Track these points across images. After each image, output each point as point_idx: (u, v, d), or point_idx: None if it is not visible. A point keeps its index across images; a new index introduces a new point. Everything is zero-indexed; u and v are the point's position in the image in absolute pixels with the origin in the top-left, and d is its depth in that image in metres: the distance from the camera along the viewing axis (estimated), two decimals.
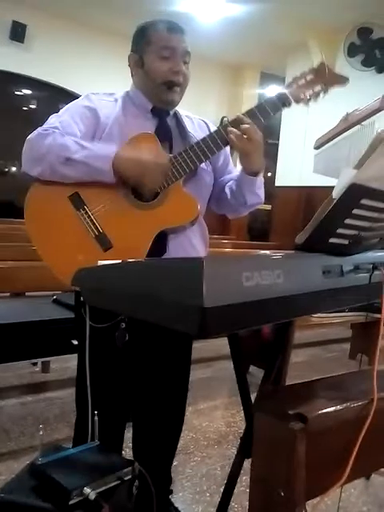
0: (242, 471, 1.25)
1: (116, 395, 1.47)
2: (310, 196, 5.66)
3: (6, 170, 7.00)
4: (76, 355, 2.25)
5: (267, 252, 1.14)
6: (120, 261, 0.93)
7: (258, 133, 1.32)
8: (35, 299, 2.53)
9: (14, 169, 6.96)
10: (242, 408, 1.23)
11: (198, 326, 0.74)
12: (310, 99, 1.37)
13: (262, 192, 1.49)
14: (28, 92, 6.81)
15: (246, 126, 1.31)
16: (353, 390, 0.94)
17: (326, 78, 1.36)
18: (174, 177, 1.33)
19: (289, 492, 0.80)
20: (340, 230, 0.97)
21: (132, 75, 1.47)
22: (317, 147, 1.25)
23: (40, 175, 1.32)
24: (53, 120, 1.37)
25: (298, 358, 3.62)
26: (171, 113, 1.48)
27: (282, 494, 0.80)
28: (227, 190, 1.51)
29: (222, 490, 1.87)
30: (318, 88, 1.36)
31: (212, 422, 2.54)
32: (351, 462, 0.86)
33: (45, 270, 1.40)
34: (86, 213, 1.33)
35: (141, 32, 1.42)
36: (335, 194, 0.91)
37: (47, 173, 1.31)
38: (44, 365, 2.96)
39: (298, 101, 1.36)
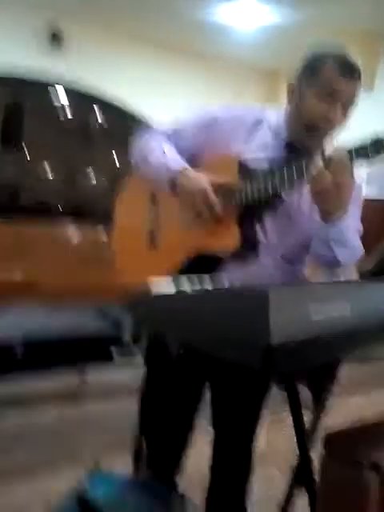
0: None
1: (170, 414, 1.43)
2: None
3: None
4: (113, 365, 2.24)
5: (329, 280, 1.08)
6: (175, 290, 0.89)
7: (349, 176, 1.10)
8: (75, 310, 2.51)
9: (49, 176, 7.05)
10: (282, 426, 1.17)
11: (263, 364, 0.69)
12: None
13: (343, 251, 1.23)
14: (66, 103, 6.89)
15: (337, 162, 1.09)
16: None
17: None
18: (232, 201, 1.26)
19: None
20: None
21: (288, 103, 1.33)
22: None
23: (133, 163, 1.46)
24: (181, 120, 1.45)
25: (341, 373, 3.50)
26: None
27: None
28: None
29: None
30: None
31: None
32: None
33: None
34: (156, 210, 1.42)
35: (311, 60, 1.26)
36: None
37: (134, 164, 1.45)
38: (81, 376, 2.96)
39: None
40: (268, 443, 2.46)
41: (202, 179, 1.27)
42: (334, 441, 0.81)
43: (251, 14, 5.33)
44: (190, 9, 5.22)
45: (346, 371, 3.76)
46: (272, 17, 5.34)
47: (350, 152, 1.09)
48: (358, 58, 4.40)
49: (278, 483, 2.01)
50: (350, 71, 1.19)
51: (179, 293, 0.86)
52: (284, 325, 0.70)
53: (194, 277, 0.97)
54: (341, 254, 1.23)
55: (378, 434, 0.86)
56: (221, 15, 5.37)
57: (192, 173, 1.30)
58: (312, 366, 0.77)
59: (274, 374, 0.72)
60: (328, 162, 1.09)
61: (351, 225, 1.24)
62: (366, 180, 3.69)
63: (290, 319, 0.71)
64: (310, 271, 1.41)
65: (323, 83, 1.19)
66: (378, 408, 2.82)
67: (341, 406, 2.97)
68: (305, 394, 1.20)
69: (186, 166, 1.32)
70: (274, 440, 2.49)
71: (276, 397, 1.26)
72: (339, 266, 1.28)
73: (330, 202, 1.14)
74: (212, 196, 1.25)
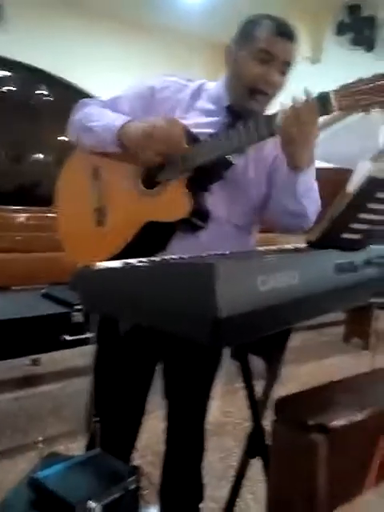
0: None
1: (123, 393, 1.39)
2: None
3: None
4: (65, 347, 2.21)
5: (276, 248, 1.08)
6: (121, 263, 0.86)
7: (316, 121, 1.10)
8: (23, 293, 2.45)
9: None
10: (237, 396, 1.19)
11: (211, 337, 0.68)
12: (368, 110, 1.08)
13: (310, 204, 1.24)
14: (7, 74, 6.58)
15: (302, 107, 1.08)
16: (371, 393, 0.90)
17: None
18: (180, 168, 1.23)
19: (311, 505, 0.76)
20: (354, 225, 0.92)
21: (226, 68, 1.30)
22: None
23: (72, 141, 1.40)
24: (114, 95, 1.39)
25: (291, 342, 3.59)
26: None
27: (303, 507, 0.76)
28: None
29: (222, 483, 1.86)
30: (376, 99, 1.06)
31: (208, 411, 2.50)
32: (374, 470, 0.82)
33: (33, 262, 1.39)
34: (99, 185, 1.35)
35: (247, 25, 1.25)
36: (351, 189, 0.86)
37: (75, 139, 1.39)
38: (34, 359, 2.90)
39: (347, 109, 1.09)
40: (223, 413, 2.51)
41: (151, 119, 1.22)
42: (283, 406, 0.82)
43: None
44: None
45: (298, 339, 3.89)
46: None
47: (314, 99, 1.09)
48: (305, 32, 4.44)
49: (234, 453, 2.07)
50: (285, 32, 1.19)
51: (123, 265, 0.83)
52: (232, 297, 0.69)
53: (145, 259, 0.95)
54: (308, 206, 1.24)
55: (326, 397, 0.88)
56: None
57: (137, 122, 1.25)
58: (261, 336, 0.77)
59: (223, 347, 0.70)
60: (294, 111, 1.09)
61: (314, 177, 1.26)
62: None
63: (237, 291, 0.70)
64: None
65: (259, 45, 1.19)
66: (329, 374, 2.94)
67: (293, 373, 3.07)
68: (258, 363, 1.21)
69: (131, 118, 1.27)
70: (229, 410, 2.54)
71: (230, 367, 1.28)
72: (305, 226, 1.29)
73: (297, 151, 1.14)
74: (165, 125, 1.19)
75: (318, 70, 5.51)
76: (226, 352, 1.19)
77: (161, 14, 5.84)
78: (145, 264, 0.84)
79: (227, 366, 1.23)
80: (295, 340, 3.85)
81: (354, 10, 5.10)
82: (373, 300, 1.15)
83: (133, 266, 0.84)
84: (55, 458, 1.07)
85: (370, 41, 5.07)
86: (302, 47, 5.68)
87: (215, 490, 1.84)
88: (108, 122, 1.29)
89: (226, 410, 2.55)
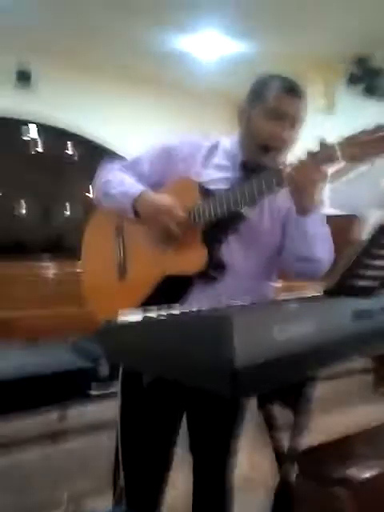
0: None
1: (147, 446, 1.39)
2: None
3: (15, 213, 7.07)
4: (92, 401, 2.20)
5: (292, 297, 1.10)
6: (142, 317, 0.89)
7: (323, 170, 1.16)
8: (50, 346, 2.48)
9: (23, 211, 7.02)
10: (267, 450, 1.16)
11: (230, 389, 0.69)
12: (372, 161, 1.13)
13: (321, 248, 1.28)
14: (36, 137, 6.92)
15: (307, 160, 1.15)
16: None
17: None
18: (194, 223, 1.29)
19: None
20: (369, 272, 0.94)
21: (239, 126, 1.38)
22: (331, 182, 1.24)
23: (95, 201, 1.49)
24: (136, 155, 1.48)
25: (318, 392, 3.50)
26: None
27: None
28: None
29: None
30: (378, 150, 1.10)
31: (237, 466, 2.43)
32: None
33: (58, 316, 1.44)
34: (122, 241, 1.43)
35: (257, 84, 1.34)
36: (364, 237, 0.88)
37: (97, 201, 1.48)
38: (61, 414, 2.89)
39: (352, 159, 1.13)
40: (253, 467, 2.44)
41: (163, 196, 1.31)
42: (305, 458, 0.81)
43: (213, 45, 5.49)
44: (154, 40, 5.35)
45: (327, 389, 3.78)
46: (234, 47, 5.51)
47: (314, 152, 1.15)
48: (318, 84, 4.59)
49: (263, 507, 1.99)
50: (293, 90, 1.27)
51: (144, 319, 0.86)
52: (248, 348, 0.70)
53: (164, 306, 0.98)
54: (320, 250, 1.28)
55: (347, 448, 0.87)
56: (184, 45, 5.52)
57: (152, 193, 1.34)
58: (280, 386, 0.78)
59: (241, 397, 0.71)
60: (301, 163, 1.16)
61: (323, 220, 1.30)
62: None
63: (254, 341, 0.72)
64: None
65: (269, 103, 1.27)
66: (358, 424, 2.83)
67: (322, 424, 2.97)
68: (288, 415, 1.20)
69: (145, 188, 1.35)
70: (258, 464, 2.46)
71: (260, 420, 1.26)
72: (319, 270, 1.32)
73: (304, 196, 1.20)
74: (175, 209, 1.28)
75: (332, 119, 5.65)
76: (255, 404, 1.19)
77: (179, 72, 6.12)
78: (164, 317, 0.87)
79: (257, 418, 1.22)
80: (324, 389, 3.75)
81: (363, 61, 5.27)
82: None
83: (153, 320, 0.86)
84: None
85: (381, 90, 5.20)
86: (317, 98, 5.85)
87: None
88: (126, 191, 1.36)
89: (254, 465, 2.47)
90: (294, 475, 0.84)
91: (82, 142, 6.60)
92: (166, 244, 1.34)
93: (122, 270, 1.41)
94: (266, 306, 1.01)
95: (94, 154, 6.59)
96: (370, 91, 5.28)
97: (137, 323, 0.86)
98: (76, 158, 6.94)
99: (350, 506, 0.72)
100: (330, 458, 0.82)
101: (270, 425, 1.14)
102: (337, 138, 1.15)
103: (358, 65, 5.31)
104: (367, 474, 0.75)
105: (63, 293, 3.15)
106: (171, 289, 1.32)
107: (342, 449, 0.87)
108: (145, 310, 0.93)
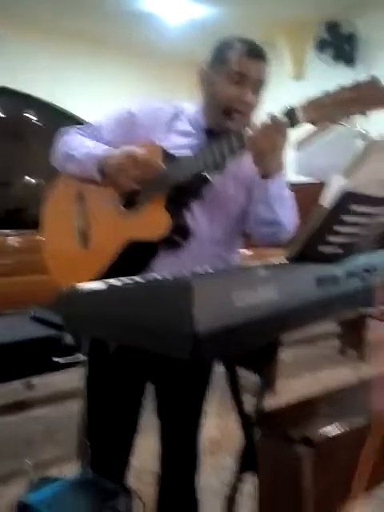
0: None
1: (114, 413, 1.39)
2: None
3: None
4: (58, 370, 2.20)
5: (258, 264, 1.10)
6: (103, 284, 0.87)
7: (284, 133, 1.14)
8: (11, 316, 2.44)
9: None
10: (233, 411, 1.18)
11: (190, 353, 0.69)
12: (335, 122, 1.12)
13: (283, 211, 1.27)
14: None
15: (269, 123, 1.13)
16: (356, 405, 0.91)
17: (371, 97, 1.08)
18: (158, 187, 1.26)
19: None
20: (332, 238, 0.94)
21: (201, 91, 1.35)
22: (298, 148, 1.23)
23: (56, 167, 1.44)
24: (93, 121, 1.44)
25: (286, 356, 3.59)
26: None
27: None
28: None
29: (218, 501, 1.84)
30: (354, 107, 1.09)
31: (203, 429, 2.48)
32: (359, 480, 0.82)
33: (23, 285, 1.41)
34: (83, 208, 1.39)
35: (219, 48, 1.30)
36: (326, 203, 0.88)
37: (58, 166, 1.43)
38: (27, 382, 2.87)
39: (314, 122, 1.13)
40: (221, 431, 2.50)
41: (128, 146, 1.27)
42: (269, 420, 0.83)
43: (181, 8, 5.33)
44: (121, 1, 5.16)
45: (294, 353, 3.88)
46: (201, 10, 5.37)
47: (281, 113, 1.14)
48: (287, 49, 4.54)
49: (230, 469, 2.05)
50: (256, 53, 1.25)
51: (106, 286, 0.84)
52: (209, 313, 0.70)
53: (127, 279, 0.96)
54: (282, 213, 1.27)
55: (311, 410, 0.89)
56: (151, 7, 5.35)
57: (116, 149, 1.29)
58: (241, 351, 0.78)
59: (203, 362, 0.71)
60: (262, 126, 1.14)
61: (286, 184, 1.29)
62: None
63: (214, 307, 0.71)
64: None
65: (232, 67, 1.24)
66: (325, 386, 2.92)
67: (290, 387, 3.06)
68: (253, 378, 1.22)
69: (110, 148, 1.31)
70: (226, 427, 2.52)
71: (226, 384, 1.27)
72: (282, 234, 1.32)
73: (267, 161, 1.19)
74: (142, 152, 1.23)
75: (301, 86, 5.62)
76: (219, 369, 1.20)
77: (144, 36, 5.95)
78: (126, 284, 0.85)
79: (222, 383, 1.23)
80: (290, 354, 3.87)
81: (333, 27, 5.22)
82: (361, 310, 1.17)
83: (114, 287, 0.85)
84: (45, 481, 1.06)
85: (351, 56, 5.18)
86: (286, 65, 5.80)
87: (212, 508, 1.83)
88: (88, 152, 1.32)
89: (222, 428, 2.53)
90: (258, 436, 0.86)
91: (44, 108, 6.38)
92: (129, 207, 1.31)
93: (85, 238, 1.38)
94: (228, 272, 1.01)
95: (58, 120, 6.39)
96: (340, 57, 5.25)
97: (96, 290, 0.85)
98: (39, 123, 6.72)
99: (311, 465, 0.74)
100: (293, 419, 0.84)
101: (234, 388, 1.15)
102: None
103: (327, 30, 5.25)
104: (328, 434, 0.77)
105: (25, 262, 3.09)
106: (135, 256, 1.30)
107: (306, 410, 0.90)
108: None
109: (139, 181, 1.26)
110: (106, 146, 1.33)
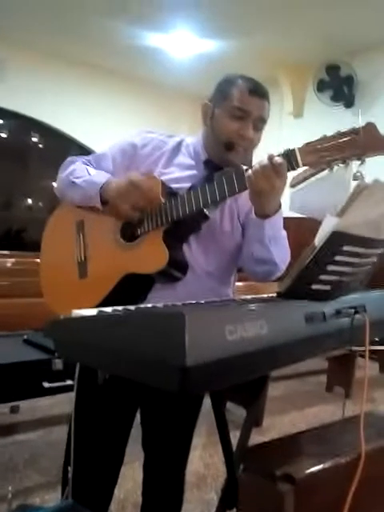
0: None
1: (100, 442, 1.38)
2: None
3: None
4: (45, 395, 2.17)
5: (249, 297, 1.12)
6: (95, 312, 0.89)
7: (283, 176, 1.15)
8: (5, 338, 2.43)
9: None
10: (219, 448, 1.18)
11: (179, 386, 0.70)
12: (332, 166, 1.14)
13: (277, 251, 1.28)
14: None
15: (269, 165, 1.13)
16: (339, 442, 0.91)
17: (368, 143, 1.09)
18: (157, 221, 1.27)
19: None
20: (322, 277, 0.96)
21: (203, 124, 1.38)
22: (292, 185, 1.25)
23: (58, 196, 1.46)
24: (97, 149, 1.47)
25: (274, 392, 3.57)
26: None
27: None
28: None
29: None
30: (351, 152, 1.10)
31: (190, 463, 2.44)
32: None
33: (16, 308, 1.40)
34: (82, 238, 1.40)
35: (223, 84, 1.33)
36: (317, 242, 0.90)
37: (60, 194, 1.45)
38: (13, 406, 2.84)
39: (311, 165, 1.15)
40: (205, 465, 2.46)
41: (129, 175, 1.28)
42: (252, 456, 0.83)
43: (186, 43, 5.49)
44: (128, 36, 5.31)
45: (281, 388, 3.86)
46: (207, 45, 5.53)
47: (281, 156, 1.14)
48: (289, 89, 4.64)
49: (214, 505, 2.02)
50: (257, 90, 1.28)
51: (97, 314, 0.85)
52: (200, 345, 0.71)
53: (120, 308, 0.97)
54: (276, 253, 1.28)
55: (295, 447, 0.89)
56: (157, 42, 5.50)
57: (118, 179, 1.32)
58: (230, 385, 0.78)
59: (190, 394, 0.72)
60: (263, 166, 1.14)
61: (281, 225, 1.31)
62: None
63: (205, 340, 0.72)
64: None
65: (234, 103, 1.27)
66: (311, 423, 2.90)
67: (275, 423, 3.04)
68: (242, 413, 1.21)
69: (111, 176, 1.34)
70: (212, 462, 2.49)
71: (213, 418, 1.27)
72: (275, 273, 1.33)
73: (265, 201, 1.20)
74: (142, 180, 1.25)
75: (300, 124, 5.75)
76: (209, 403, 1.20)
77: (150, 69, 6.10)
78: (118, 313, 0.87)
79: (210, 415, 1.23)
80: (278, 389, 3.85)
81: (333, 69, 5.38)
82: (349, 349, 1.18)
83: (106, 315, 0.86)
84: (25, 509, 1.04)
85: (348, 98, 5.33)
86: (286, 103, 5.95)
87: None
88: (91, 179, 1.34)
89: (208, 462, 2.50)
90: (241, 471, 0.86)
91: (48, 133, 6.49)
92: (127, 242, 1.33)
93: (83, 269, 1.39)
94: (220, 305, 1.02)
95: (61, 146, 6.49)
96: (338, 98, 5.40)
97: (89, 317, 0.86)
98: (41, 146, 6.81)
99: (293, 502, 0.74)
100: (275, 455, 0.84)
101: (220, 422, 1.15)
102: (301, 144, 1.17)
103: (327, 72, 5.41)
104: (309, 470, 0.77)
105: (22, 284, 3.10)
106: (132, 288, 1.31)
107: (289, 446, 0.90)
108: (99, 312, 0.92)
109: (139, 208, 1.27)
110: (109, 175, 1.35)
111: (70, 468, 1.29)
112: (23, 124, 6.40)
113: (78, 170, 1.39)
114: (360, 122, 1.14)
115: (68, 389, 2.04)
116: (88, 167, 1.40)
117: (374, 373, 4.23)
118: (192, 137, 1.43)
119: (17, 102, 5.90)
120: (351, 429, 0.98)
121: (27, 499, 1.98)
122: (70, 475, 1.30)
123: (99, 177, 1.34)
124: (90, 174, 1.37)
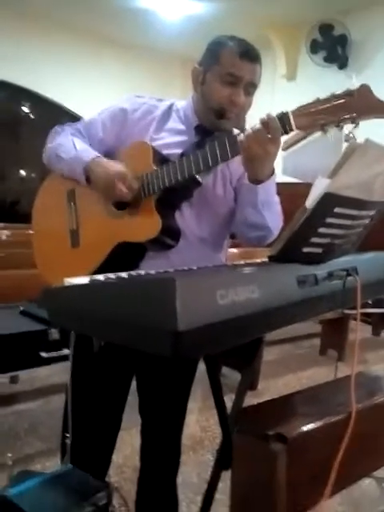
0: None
1: (97, 409, 1.40)
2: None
3: None
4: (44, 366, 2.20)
5: (241, 262, 1.11)
6: (87, 280, 0.88)
7: (277, 140, 1.12)
8: (1, 310, 2.43)
9: None
10: (215, 411, 1.20)
11: (172, 350, 0.70)
12: (325, 129, 1.11)
13: (270, 216, 1.28)
14: None
15: (262, 129, 1.10)
16: (331, 402, 0.93)
17: (362, 106, 1.08)
18: (148, 190, 1.25)
19: None
20: (314, 239, 0.95)
21: (193, 89, 1.34)
22: (285, 149, 1.23)
23: (46, 165, 1.44)
24: (87, 117, 1.44)
25: (269, 356, 3.62)
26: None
27: None
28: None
29: (198, 498, 1.86)
30: (345, 115, 1.08)
31: (186, 427, 2.49)
32: (333, 477, 0.84)
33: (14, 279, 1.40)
34: (74, 207, 1.39)
35: (213, 47, 1.28)
36: (309, 204, 0.89)
37: (48, 164, 1.44)
38: (12, 376, 2.87)
39: (305, 129, 1.12)
40: (201, 428, 2.52)
41: (116, 164, 1.28)
42: (245, 417, 0.84)
43: (178, 4, 5.33)
44: None
45: (275, 352, 3.91)
46: (198, 7, 5.37)
47: (274, 119, 1.11)
48: (281, 51, 4.54)
49: (210, 467, 2.07)
50: (249, 54, 1.23)
51: (90, 281, 0.85)
52: (191, 310, 0.71)
53: (112, 275, 0.96)
54: (269, 218, 1.28)
55: (287, 407, 0.90)
56: (148, 4, 5.34)
57: (104, 160, 1.30)
58: (223, 348, 0.79)
59: (183, 358, 0.72)
60: (256, 131, 1.12)
61: (274, 190, 1.30)
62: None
63: (196, 304, 0.72)
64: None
65: (224, 67, 1.23)
66: (305, 386, 2.95)
67: (270, 386, 3.09)
68: (237, 377, 1.23)
69: (98, 154, 1.32)
70: (207, 425, 2.54)
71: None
72: (268, 238, 1.33)
73: (258, 166, 1.17)
74: (128, 178, 1.25)
75: (293, 86, 5.65)
76: (202, 367, 1.21)
77: (140, 32, 5.94)
78: (109, 279, 0.86)
79: (205, 380, 1.25)
80: (272, 353, 3.91)
81: (326, 29, 5.25)
82: (345, 311, 1.18)
83: (98, 282, 0.86)
84: (26, 475, 1.06)
85: (342, 59, 5.22)
86: (279, 65, 5.82)
87: (192, 505, 1.85)
88: (76, 155, 1.33)
89: (204, 425, 2.55)
90: (235, 433, 0.87)
91: (39, 102, 6.35)
92: (119, 210, 1.31)
93: (75, 238, 1.38)
94: (212, 270, 1.02)
95: (52, 114, 6.36)
96: (331, 59, 5.28)
97: (81, 285, 0.86)
98: (33, 116, 6.68)
99: (285, 461, 0.76)
100: (268, 416, 0.85)
101: (215, 386, 1.16)
102: (293, 107, 1.14)
103: (320, 31, 5.28)
104: (301, 430, 0.79)
105: (17, 255, 3.09)
106: (125, 256, 1.31)
107: (282, 407, 0.91)
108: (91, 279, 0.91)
109: (125, 196, 1.26)
110: (94, 152, 1.32)
111: (67, 435, 1.32)
112: (13, 93, 6.26)
113: (65, 145, 1.37)
114: (354, 84, 1.11)
115: (65, 358, 2.05)
116: (75, 139, 1.37)
117: (366, 335, 4.29)
118: (182, 100, 1.40)
119: (2, 69, 5.75)
120: (343, 389, 0.99)
121: (28, 466, 2.02)
122: (68, 441, 1.33)
123: (85, 154, 1.32)
124: (76, 149, 1.34)
